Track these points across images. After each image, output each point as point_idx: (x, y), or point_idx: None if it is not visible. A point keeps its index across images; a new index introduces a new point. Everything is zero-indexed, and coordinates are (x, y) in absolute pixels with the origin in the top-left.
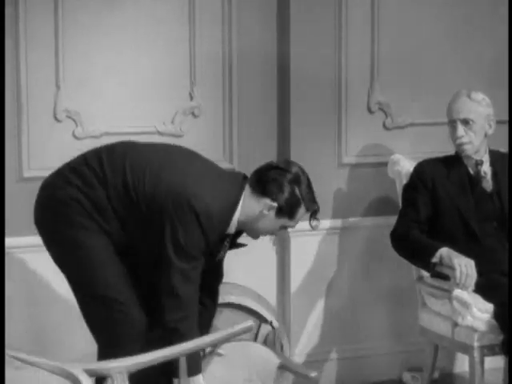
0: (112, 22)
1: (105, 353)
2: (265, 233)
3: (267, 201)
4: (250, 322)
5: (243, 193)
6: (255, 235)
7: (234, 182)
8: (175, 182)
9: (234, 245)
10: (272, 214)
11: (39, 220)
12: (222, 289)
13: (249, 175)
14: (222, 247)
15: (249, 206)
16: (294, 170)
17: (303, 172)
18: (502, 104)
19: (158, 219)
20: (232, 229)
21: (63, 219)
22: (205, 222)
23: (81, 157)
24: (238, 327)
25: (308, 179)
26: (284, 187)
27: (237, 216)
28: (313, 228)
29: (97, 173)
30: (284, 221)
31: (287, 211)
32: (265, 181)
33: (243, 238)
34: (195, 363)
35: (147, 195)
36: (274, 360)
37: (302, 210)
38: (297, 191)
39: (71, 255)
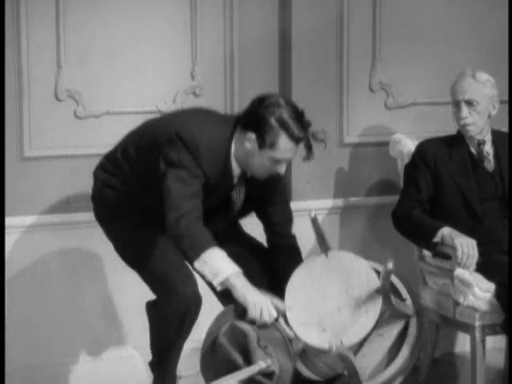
0: (113, 2)
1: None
2: (259, 169)
3: (248, 133)
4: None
5: (236, 131)
6: (255, 174)
7: (228, 121)
8: (163, 123)
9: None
10: (255, 147)
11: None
12: None
13: None
14: (234, 188)
15: (239, 143)
16: (273, 99)
17: (287, 101)
18: (504, 84)
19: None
20: (236, 169)
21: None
22: (194, 151)
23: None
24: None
25: (293, 108)
26: (259, 117)
27: (233, 153)
28: (305, 159)
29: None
30: (268, 153)
31: (267, 141)
32: (245, 114)
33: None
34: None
35: (148, 144)
36: (375, 282)
37: (282, 138)
38: (272, 120)
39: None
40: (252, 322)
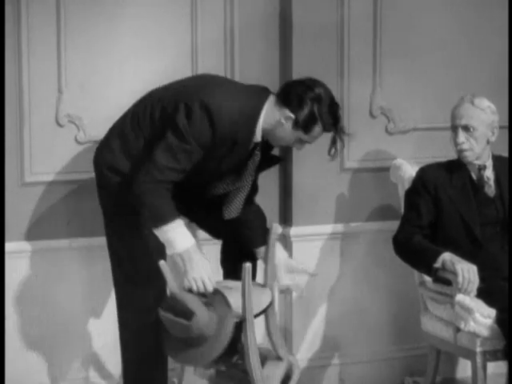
0: (114, 28)
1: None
2: (282, 142)
3: (286, 111)
4: None
5: (266, 102)
6: (274, 142)
7: (259, 92)
8: (188, 88)
9: (269, 160)
10: (289, 124)
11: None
12: None
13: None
14: (253, 155)
15: (271, 113)
16: (318, 90)
17: (328, 94)
18: (504, 109)
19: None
20: (258, 136)
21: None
22: (216, 120)
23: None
24: None
25: (332, 101)
26: (304, 103)
27: (261, 123)
28: (331, 157)
29: (132, 121)
30: (299, 134)
31: (303, 125)
32: (288, 92)
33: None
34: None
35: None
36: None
37: (318, 127)
38: (315, 109)
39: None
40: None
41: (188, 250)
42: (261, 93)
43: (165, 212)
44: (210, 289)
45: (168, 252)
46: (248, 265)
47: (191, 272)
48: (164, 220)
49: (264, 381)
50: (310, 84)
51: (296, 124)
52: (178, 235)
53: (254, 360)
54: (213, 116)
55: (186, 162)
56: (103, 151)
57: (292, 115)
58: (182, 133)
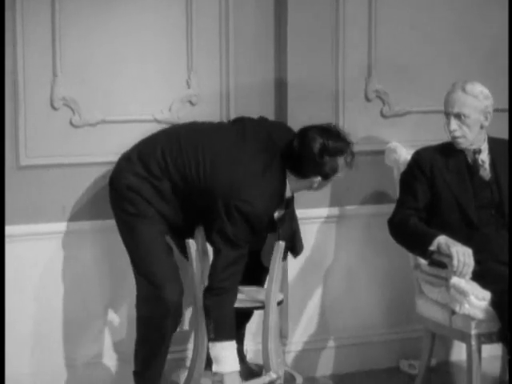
0: (109, 10)
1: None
2: (312, 188)
3: (311, 178)
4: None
5: (287, 176)
6: (299, 191)
7: (277, 173)
8: (225, 184)
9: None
10: (320, 181)
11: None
12: None
13: None
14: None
15: (296, 184)
16: (309, 138)
17: (320, 131)
18: (498, 93)
19: (211, 207)
20: (287, 196)
21: (118, 206)
22: (253, 221)
23: (148, 143)
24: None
25: (327, 133)
26: (318, 163)
27: (287, 194)
28: (349, 167)
29: (160, 164)
30: (332, 177)
31: (331, 173)
32: (300, 167)
33: None
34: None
35: (202, 190)
36: None
37: (339, 161)
38: (326, 158)
39: (126, 236)
40: None
41: (233, 373)
42: (279, 173)
43: (225, 329)
44: None
45: (214, 369)
46: (281, 243)
47: None
48: (221, 338)
49: (278, 366)
50: (302, 140)
51: (326, 177)
52: (227, 355)
53: (271, 344)
54: (250, 219)
55: (243, 259)
56: (128, 172)
57: (318, 178)
58: (234, 242)
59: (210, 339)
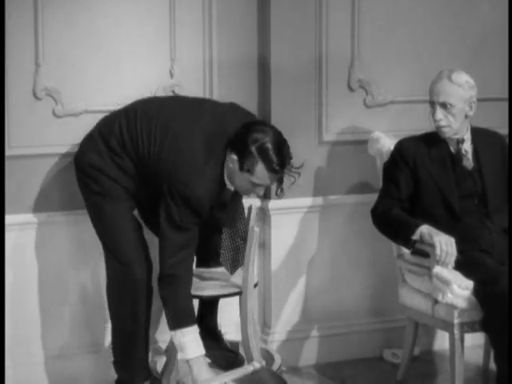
0: (92, 1)
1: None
2: (241, 189)
3: (232, 155)
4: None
5: (226, 157)
6: (239, 192)
7: (221, 159)
8: (168, 164)
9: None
10: (236, 168)
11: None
12: None
13: None
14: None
15: (228, 162)
16: (258, 127)
17: (273, 132)
18: (483, 81)
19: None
20: (230, 186)
21: (85, 186)
22: (195, 204)
23: (108, 119)
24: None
25: (277, 140)
26: (243, 142)
27: (225, 174)
28: (277, 196)
29: (118, 139)
30: (248, 176)
31: (245, 166)
32: (233, 137)
33: None
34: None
35: (151, 168)
36: None
37: (259, 167)
38: (253, 148)
39: (93, 217)
40: None
41: (198, 358)
42: (217, 147)
43: (184, 316)
44: None
45: (179, 357)
46: (256, 229)
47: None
48: (181, 325)
49: (259, 350)
50: (253, 122)
51: (241, 166)
52: (190, 341)
53: (250, 330)
54: (191, 202)
55: (191, 241)
56: (89, 150)
57: (234, 157)
58: (179, 225)
59: (171, 328)
